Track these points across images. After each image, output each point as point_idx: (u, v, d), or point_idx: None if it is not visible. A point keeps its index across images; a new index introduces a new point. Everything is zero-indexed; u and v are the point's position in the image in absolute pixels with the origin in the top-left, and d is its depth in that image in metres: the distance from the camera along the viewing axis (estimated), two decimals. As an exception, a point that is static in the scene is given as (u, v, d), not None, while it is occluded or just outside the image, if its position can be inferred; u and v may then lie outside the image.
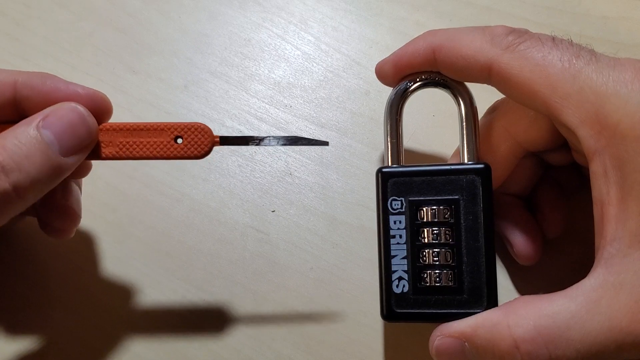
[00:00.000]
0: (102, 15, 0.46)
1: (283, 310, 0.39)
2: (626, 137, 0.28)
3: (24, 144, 0.29)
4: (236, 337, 0.38)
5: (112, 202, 0.41)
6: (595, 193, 0.29)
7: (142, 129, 0.32)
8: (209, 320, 0.39)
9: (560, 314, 0.28)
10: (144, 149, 0.32)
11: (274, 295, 0.39)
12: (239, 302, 0.39)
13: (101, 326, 0.39)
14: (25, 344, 0.38)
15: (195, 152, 0.32)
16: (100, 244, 0.40)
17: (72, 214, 0.36)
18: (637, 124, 0.27)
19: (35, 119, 0.30)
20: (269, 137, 0.33)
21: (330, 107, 0.43)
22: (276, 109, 0.43)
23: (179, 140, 0.32)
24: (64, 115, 0.30)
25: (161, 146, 0.32)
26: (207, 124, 0.32)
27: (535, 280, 0.38)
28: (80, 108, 0.31)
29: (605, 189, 0.29)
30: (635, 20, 0.44)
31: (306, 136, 0.42)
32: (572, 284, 0.29)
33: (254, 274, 0.40)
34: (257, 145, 0.33)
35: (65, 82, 0.32)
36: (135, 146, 0.32)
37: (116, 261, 0.40)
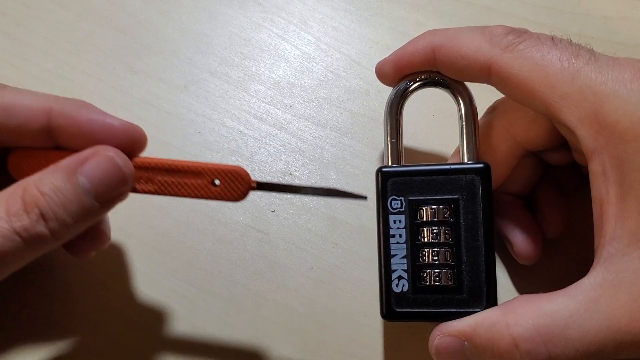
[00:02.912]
0: (102, 15, 0.46)
1: (283, 310, 0.39)
2: (625, 136, 0.28)
3: (60, 192, 0.29)
4: (236, 337, 0.38)
5: (112, 202, 0.41)
6: (594, 192, 0.29)
7: (180, 170, 0.32)
8: (209, 320, 0.39)
9: (559, 313, 0.28)
10: (182, 189, 0.32)
11: (274, 295, 0.39)
12: (239, 302, 0.39)
13: (100, 325, 0.39)
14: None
15: (232, 196, 0.32)
16: (100, 244, 0.40)
17: (103, 237, 0.36)
18: (636, 123, 0.27)
19: (73, 164, 0.30)
20: (307, 187, 0.33)
21: (330, 107, 0.43)
22: (276, 109, 0.43)
23: (217, 182, 0.32)
24: (101, 164, 0.30)
25: (198, 188, 0.32)
26: (242, 166, 0.32)
27: (535, 279, 0.38)
28: (118, 159, 0.30)
29: (604, 188, 0.29)
30: (635, 20, 0.44)
31: (307, 136, 0.42)
32: (571, 283, 0.29)
33: (254, 274, 0.40)
34: (293, 193, 0.33)
35: (102, 113, 0.32)
36: (173, 186, 0.32)
37: (116, 261, 0.40)
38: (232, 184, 0.32)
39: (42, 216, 0.28)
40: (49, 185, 0.29)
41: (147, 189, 0.32)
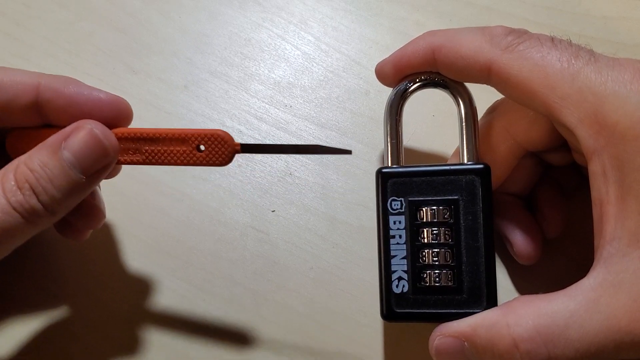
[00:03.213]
0: (102, 15, 0.46)
1: (283, 310, 0.39)
2: (625, 136, 0.28)
3: (47, 167, 0.30)
4: (236, 337, 0.38)
5: (112, 202, 0.41)
6: (594, 193, 0.29)
7: (164, 138, 0.32)
8: (209, 320, 0.39)
9: (559, 313, 0.28)
10: (168, 158, 0.33)
11: (274, 295, 0.39)
12: (239, 302, 0.39)
13: (100, 325, 0.39)
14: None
15: (217, 160, 0.32)
16: (99, 244, 0.40)
17: (98, 213, 0.37)
18: (636, 123, 0.27)
19: (57, 140, 0.30)
20: (290, 145, 0.33)
21: (330, 107, 0.43)
22: (276, 109, 0.43)
23: (202, 147, 0.32)
24: (82, 138, 0.31)
25: (184, 155, 0.32)
26: (223, 129, 0.32)
27: (535, 279, 0.38)
28: (97, 131, 0.31)
29: (604, 188, 0.29)
30: (635, 20, 0.44)
31: (307, 136, 0.42)
32: (571, 284, 0.29)
33: (254, 274, 0.40)
34: (277, 153, 0.33)
35: (88, 87, 0.33)
36: (159, 154, 0.33)
37: (116, 261, 0.40)
38: (217, 148, 0.32)
39: (33, 191, 0.29)
40: (36, 162, 0.30)
41: (134, 159, 0.33)
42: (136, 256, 0.40)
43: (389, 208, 0.34)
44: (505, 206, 0.37)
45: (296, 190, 0.41)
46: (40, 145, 0.31)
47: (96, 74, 0.44)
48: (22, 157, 0.31)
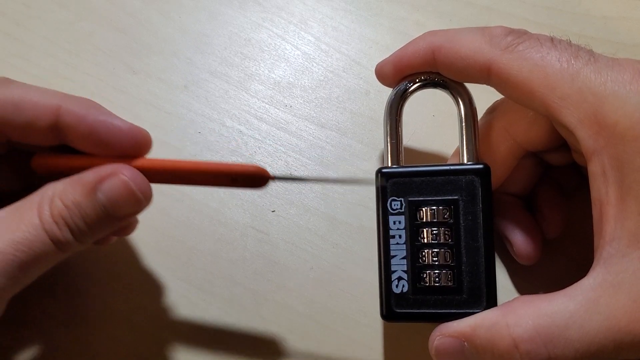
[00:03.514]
0: (102, 15, 0.46)
1: (283, 310, 0.39)
2: (624, 137, 0.28)
3: (81, 206, 0.31)
4: (236, 337, 0.38)
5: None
6: (594, 193, 0.29)
7: (198, 173, 0.32)
8: (209, 320, 0.39)
9: (559, 314, 0.28)
10: (201, 184, 0.33)
11: (274, 295, 0.39)
12: (239, 302, 0.39)
13: (99, 325, 0.39)
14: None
15: (251, 187, 0.33)
16: (100, 244, 0.40)
17: (130, 226, 0.38)
18: (636, 124, 0.27)
19: (92, 181, 0.31)
20: (322, 178, 0.33)
21: (330, 107, 0.43)
22: (276, 109, 0.43)
23: (235, 181, 0.32)
24: (117, 186, 0.31)
25: (218, 184, 0.33)
26: (260, 165, 0.32)
27: (535, 280, 0.38)
28: (131, 182, 0.31)
29: (604, 189, 0.29)
30: (635, 20, 0.44)
31: (307, 136, 0.42)
32: (571, 284, 0.29)
33: (254, 274, 0.40)
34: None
35: (109, 114, 0.32)
36: (191, 182, 0.33)
37: (116, 261, 0.40)
38: (252, 181, 0.32)
39: (67, 226, 0.30)
40: (71, 199, 0.30)
41: (166, 184, 0.34)
42: (136, 256, 0.40)
43: (389, 208, 0.34)
44: (505, 206, 0.37)
45: (296, 190, 0.41)
46: (74, 181, 0.31)
47: (96, 74, 0.44)
48: (57, 190, 0.31)
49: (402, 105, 0.36)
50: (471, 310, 0.32)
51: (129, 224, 0.37)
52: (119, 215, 0.32)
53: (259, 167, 0.32)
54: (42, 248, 0.30)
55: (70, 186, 0.31)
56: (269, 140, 0.43)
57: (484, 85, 0.33)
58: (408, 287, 0.33)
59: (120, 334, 0.39)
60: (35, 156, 0.34)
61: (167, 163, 0.32)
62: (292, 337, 0.38)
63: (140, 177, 0.32)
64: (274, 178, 0.33)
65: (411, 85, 0.35)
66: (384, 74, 0.36)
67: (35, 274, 0.31)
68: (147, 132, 0.33)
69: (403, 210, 0.34)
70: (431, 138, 0.42)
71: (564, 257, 0.39)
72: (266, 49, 0.45)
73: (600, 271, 0.28)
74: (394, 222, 0.34)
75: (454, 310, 0.33)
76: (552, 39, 0.31)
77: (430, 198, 0.33)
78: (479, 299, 0.32)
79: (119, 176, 0.31)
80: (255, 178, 0.32)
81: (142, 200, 0.32)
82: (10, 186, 0.36)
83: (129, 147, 0.32)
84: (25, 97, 0.31)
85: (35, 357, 0.38)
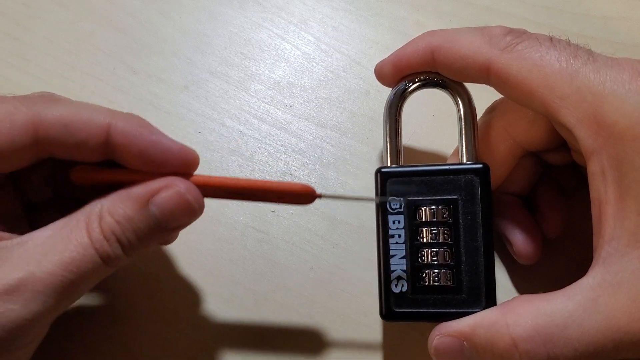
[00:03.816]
0: (102, 15, 0.46)
1: (283, 310, 0.39)
2: (623, 137, 0.28)
3: (133, 221, 0.30)
4: (236, 337, 0.38)
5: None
6: (593, 192, 0.29)
7: (249, 191, 0.33)
8: (209, 320, 0.39)
9: (558, 313, 0.28)
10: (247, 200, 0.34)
11: (274, 295, 0.39)
12: (239, 302, 0.39)
13: (99, 325, 0.39)
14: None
15: (297, 204, 0.34)
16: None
17: (172, 238, 0.37)
18: (635, 123, 0.27)
19: (145, 195, 0.31)
20: (367, 197, 0.34)
21: (330, 107, 0.43)
22: (276, 109, 0.43)
23: (282, 198, 0.33)
24: (172, 198, 0.31)
25: (265, 199, 0.33)
26: (306, 184, 0.33)
27: (535, 279, 0.38)
28: (189, 197, 0.31)
29: (603, 188, 0.29)
30: (635, 20, 0.44)
31: (307, 136, 0.42)
32: (571, 283, 0.29)
33: (254, 274, 0.40)
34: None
35: (160, 134, 0.32)
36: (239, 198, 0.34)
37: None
38: (299, 199, 0.33)
39: (118, 241, 0.30)
40: (122, 214, 0.30)
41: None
42: (135, 256, 0.40)
43: (389, 208, 0.34)
44: (504, 206, 0.37)
45: (296, 190, 0.41)
46: (125, 195, 0.31)
47: (96, 74, 0.44)
48: (106, 205, 0.31)
49: (401, 105, 0.36)
50: (470, 310, 0.32)
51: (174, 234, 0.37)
52: (171, 227, 0.32)
53: (306, 186, 0.33)
54: (92, 267, 0.30)
55: (120, 201, 0.31)
56: (269, 140, 0.43)
57: (484, 85, 0.33)
58: (407, 287, 0.33)
59: (119, 334, 0.38)
60: (77, 168, 0.33)
61: (215, 180, 0.33)
62: (292, 337, 0.38)
63: (194, 189, 0.32)
64: (321, 196, 0.33)
65: (410, 85, 0.35)
66: (383, 74, 0.36)
67: (83, 292, 0.31)
68: (196, 152, 0.33)
69: (402, 209, 0.34)
70: (430, 138, 0.42)
71: (563, 257, 0.39)
72: (266, 49, 0.45)
73: (600, 271, 0.29)
74: (393, 222, 0.34)
75: (454, 310, 0.33)
76: (551, 39, 0.31)
77: (429, 198, 0.34)
78: (478, 298, 0.32)
79: (173, 188, 0.31)
80: (302, 196, 0.33)
81: (197, 211, 0.32)
82: (41, 196, 0.35)
83: (178, 166, 0.32)
84: (74, 117, 0.30)
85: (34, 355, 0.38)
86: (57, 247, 0.29)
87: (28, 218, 0.34)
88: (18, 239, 0.30)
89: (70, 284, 0.29)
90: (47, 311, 0.29)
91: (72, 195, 0.36)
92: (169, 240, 0.37)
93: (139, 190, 0.31)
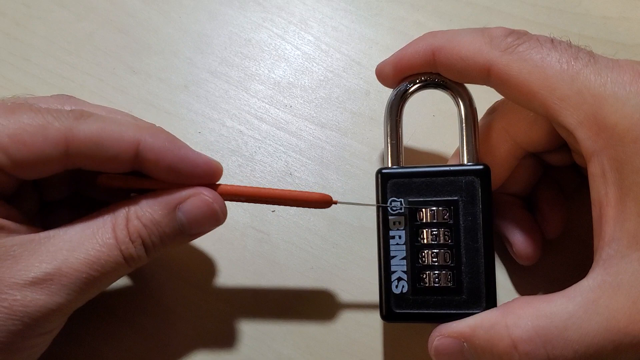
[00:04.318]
0: (102, 15, 0.46)
1: (283, 310, 0.39)
2: (624, 138, 0.28)
3: (160, 226, 0.32)
4: (236, 337, 0.38)
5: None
6: (593, 194, 0.30)
7: (269, 199, 0.34)
8: (209, 320, 0.39)
9: (558, 315, 0.28)
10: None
11: (274, 295, 0.39)
12: (239, 302, 0.39)
13: (98, 324, 0.39)
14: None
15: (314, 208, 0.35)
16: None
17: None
18: (635, 125, 0.27)
19: (173, 201, 0.32)
20: (380, 205, 0.34)
21: (330, 107, 0.43)
22: (276, 109, 0.43)
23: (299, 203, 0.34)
24: (200, 206, 0.33)
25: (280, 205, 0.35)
26: (325, 193, 0.34)
27: (535, 280, 0.38)
28: (216, 206, 0.33)
29: (603, 190, 0.29)
30: (635, 20, 0.44)
31: (307, 136, 0.42)
32: (571, 285, 0.29)
33: (254, 274, 0.40)
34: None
35: (186, 148, 0.33)
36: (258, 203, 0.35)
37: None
38: (316, 205, 0.34)
39: (143, 244, 0.32)
40: (149, 217, 0.32)
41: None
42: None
43: (389, 209, 0.34)
44: (505, 206, 0.37)
45: (296, 191, 0.41)
46: (152, 200, 0.32)
47: (96, 74, 0.44)
48: (133, 208, 0.32)
49: (402, 106, 0.36)
50: (471, 311, 0.32)
51: None
52: (194, 233, 0.33)
53: (323, 195, 0.34)
54: (115, 266, 0.31)
55: (148, 206, 0.32)
56: (269, 140, 0.43)
57: (484, 86, 0.33)
58: (408, 288, 0.33)
59: (119, 334, 0.38)
60: (104, 176, 0.34)
61: (239, 190, 0.34)
62: (292, 337, 0.38)
63: (219, 198, 0.33)
64: (337, 202, 0.34)
65: (411, 86, 0.35)
66: (384, 75, 0.36)
67: (102, 289, 0.32)
68: (220, 164, 0.34)
69: (403, 210, 0.34)
70: (431, 139, 0.42)
71: (563, 258, 0.39)
72: (266, 49, 0.45)
73: (600, 272, 0.29)
74: (394, 223, 0.34)
75: (454, 311, 0.33)
76: (552, 40, 0.31)
77: (430, 199, 0.34)
78: (478, 299, 0.33)
79: (200, 196, 0.33)
80: (319, 203, 0.34)
81: (221, 219, 0.34)
82: (58, 195, 0.36)
83: (203, 177, 0.33)
84: (104, 134, 0.31)
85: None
86: (83, 244, 0.30)
87: (41, 215, 0.35)
88: (46, 233, 0.31)
89: (92, 281, 0.30)
90: (69, 304, 0.30)
91: (87, 194, 0.37)
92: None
93: (168, 196, 0.32)
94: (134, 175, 0.33)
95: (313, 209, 0.37)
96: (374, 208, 0.35)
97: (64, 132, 0.30)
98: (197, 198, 0.33)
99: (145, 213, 0.32)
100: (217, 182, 0.34)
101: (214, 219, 0.33)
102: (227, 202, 0.41)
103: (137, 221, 0.32)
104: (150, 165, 0.32)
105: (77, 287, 0.30)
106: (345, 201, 0.36)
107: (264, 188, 0.34)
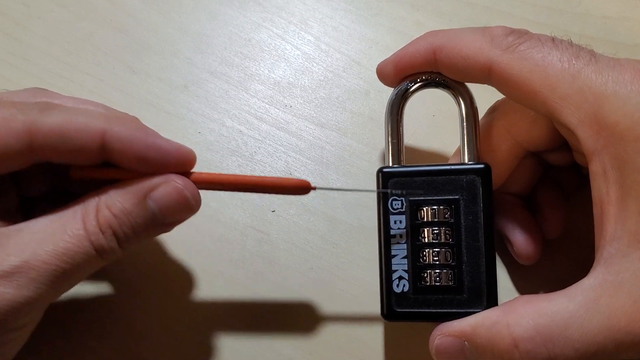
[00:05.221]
0: (102, 15, 0.46)
1: (283, 310, 0.39)
2: (625, 137, 0.28)
3: (131, 215, 0.31)
4: (236, 337, 0.38)
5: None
6: (594, 193, 0.30)
7: (244, 187, 0.33)
8: (209, 320, 0.39)
9: (559, 313, 0.28)
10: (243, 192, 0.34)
11: (274, 295, 0.39)
12: (239, 302, 0.39)
13: (98, 325, 0.39)
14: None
15: (293, 195, 0.34)
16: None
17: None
18: (636, 124, 0.27)
19: (143, 190, 0.31)
20: (359, 189, 0.35)
21: (330, 107, 0.43)
22: (276, 109, 0.43)
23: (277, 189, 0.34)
24: (171, 194, 0.32)
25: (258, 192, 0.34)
26: (302, 179, 0.34)
27: (535, 279, 0.38)
28: (187, 193, 0.32)
29: (604, 188, 0.29)
30: (635, 20, 0.44)
31: (307, 136, 0.42)
32: (571, 284, 0.29)
33: (254, 274, 0.40)
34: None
35: (155, 136, 0.32)
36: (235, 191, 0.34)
37: (116, 261, 0.40)
38: (295, 191, 0.33)
39: (115, 235, 0.31)
40: (119, 207, 0.31)
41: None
42: (134, 257, 0.40)
43: (390, 207, 0.34)
44: (505, 206, 0.37)
45: (296, 190, 0.41)
46: (122, 189, 0.31)
47: (96, 74, 0.44)
48: (103, 198, 0.31)
49: (403, 105, 0.36)
50: (472, 310, 0.32)
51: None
52: (167, 222, 0.32)
53: (302, 181, 0.33)
54: (86, 258, 0.30)
55: (118, 195, 0.31)
56: (269, 140, 0.43)
57: (485, 85, 0.33)
58: (409, 287, 0.33)
59: (119, 334, 0.38)
60: (76, 167, 0.33)
61: (212, 177, 0.33)
62: (292, 337, 0.38)
63: (191, 184, 0.32)
64: (315, 188, 0.33)
65: (412, 85, 0.35)
66: (385, 74, 0.36)
67: (76, 282, 0.32)
68: (192, 151, 0.33)
69: (404, 209, 0.34)
70: (432, 138, 0.42)
71: (564, 257, 0.39)
72: (266, 49, 0.45)
73: (601, 271, 0.29)
74: (395, 222, 0.34)
75: (455, 310, 0.33)
76: (553, 39, 0.31)
77: (431, 197, 0.34)
78: (479, 298, 0.32)
79: (171, 183, 0.32)
80: (298, 189, 0.33)
81: (194, 207, 0.33)
82: (37, 191, 0.35)
83: (175, 165, 0.32)
84: (69, 126, 0.30)
85: (27, 351, 0.38)
86: (52, 236, 0.30)
87: (23, 212, 0.35)
88: (15, 227, 0.30)
89: (63, 274, 0.30)
90: (40, 297, 0.29)
91: (66, 189, 0.36)
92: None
93: (138, 185, 0.31)
94: (107, 166, 0.33)
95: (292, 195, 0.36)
96: (374, 207, 0.35)
97: (28, 124, 0.30)
98: (167, 185, 0.32)
99: (115, 203, 0.31)
100: (192, 171, 0.33)
101: (186, 206, 0.32)
102: (227, 202, 0.41)
103: (107, 211, 0.31)
104: (118, 154, 0.31)
105: (46, 279, 0.29)
106: (325, 187, 0.35)
107: (240, 175, 0.33)
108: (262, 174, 0.42)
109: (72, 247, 0.30)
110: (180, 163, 0.32)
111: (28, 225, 0.30)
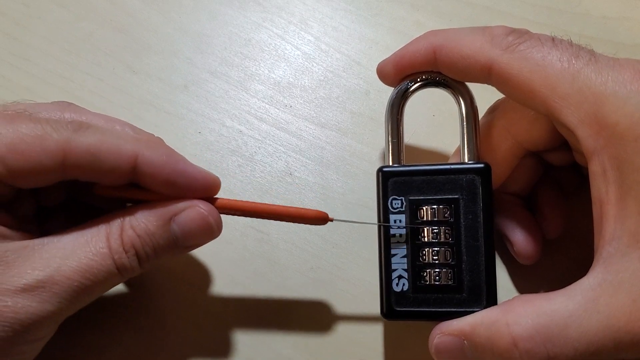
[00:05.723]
0: (102, 15, 0.46)
1: (283, 310, 0.39)
2: (624, 137, 0.28)
3: (154, 237, 0.32)
4: (236, 337, 0.38)
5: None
6: (594, 193, 0.30)
7: (266, 215, 0.34)
8: (209, 320, 0.39)
9: (558, 313, 0.28)
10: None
11: (274, 295, 0.39)
12: (239, 302, 0.39)
13: (98, 325, 0.39)
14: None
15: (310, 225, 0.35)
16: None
17: None
18: (636, 124, 0.27)
19: (168, 213, 0.32)
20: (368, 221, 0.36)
21: (330, 107, 0.43)
22: (276, 109, 0.43)
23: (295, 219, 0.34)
24: (195, 219, 0.33)
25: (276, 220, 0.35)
26: (321, 210, 0.34)
27: (535, 279, 0.38)
28: (211, 219, 0.33)
29: (604, 188, 0.29)
30: (635, 20, 0.44)
31: (307, 136, 0.42)
32: (571, 283, 0.29)
33: (254, 274, 0.40)
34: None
35: (184, 162, 0.33)
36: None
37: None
38: (313, 222, 0.34)
39: (136, 255, 0.32)
40: (143, 228, 0.32)
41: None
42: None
43: (390, 207, 0.34)
44: (505, 205, 0.37)
45: (296, 190, 0.41)
46: (147, 211, 0.32)
47: (96, 74, 0.44)
48: (127, 218, 0.32)
49: (403, 105, 0.36)
50: (471, 309, 0.32)
51: None
52: (188, 245, 0.34)
53: (319, 212, 0.34)
54: (107, 275, 0.31)
55: (143, 216, 0.32)
56: (269, 140, 0.43)
57: (485, 85, 0.33)
58: (408, 286, 0.33)
59: (119, 334, 0.38)
60: (99, 186, 0.34)
61: (235, 204, 0.34)
62: (292, 337, 0.38)
63: (215, 211, 0.33)
64: (332, 220, 0.34)
65: (412, 85, 0.35)
66: (385, 74, 0.36)
67: (94, 297, 0.32)
68: (218, 178, 0.34)
69: (404, 209, 0.34)
70: (432, 137, 0.42)
71: (564, 257, 0.39)
72: (266, 49, 0.45)
73: (600, 271, 0.29)
74: (395, 221, 0.34)
75: (454, 309, 0.33)
76: (553, 39, 0.31)
77: (431, 197, 0.34)
78: (479, 297, 0.33)
79: (195, 209, 0.33)
80: (315, 220, 0.34)
81: (216, 233, 0.34)
82: (54, 201, 0.36)
83: (200, 191, 0.33)
84: (102, 147, 0.31)
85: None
86: (76, 253, 0.30)
87: (37, 220, 0.35)
88: (40, 240, 0.31)
89: (84, 289, 0.30)
90: (60, 312, 0.30)
91: (83, 200, 0.37)
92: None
93: (163, 208, 0.32)
94: (131, 186, 0.33)
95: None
96: (374, 207, 0.35)
97: (62, 143, 0.30)
98: (192, 210, 0.33)
99: (139, 224, 0.32)
100: (216, 196, 0.34)
101: (209, 232, 0.33)
102: (227, 202, 0.41)
103: (132, 231, 0.32)
104: (148, 178, 0.32)
105: (68, 295, 0.30)
106: (341, 219, 0.36)
107: (261, 203, 0.34)
108: (262, 174, 0.42)
109: (95, 264, 0.30)
110: (205, 189, 0.33)
111: (53, 240, 0.31)
